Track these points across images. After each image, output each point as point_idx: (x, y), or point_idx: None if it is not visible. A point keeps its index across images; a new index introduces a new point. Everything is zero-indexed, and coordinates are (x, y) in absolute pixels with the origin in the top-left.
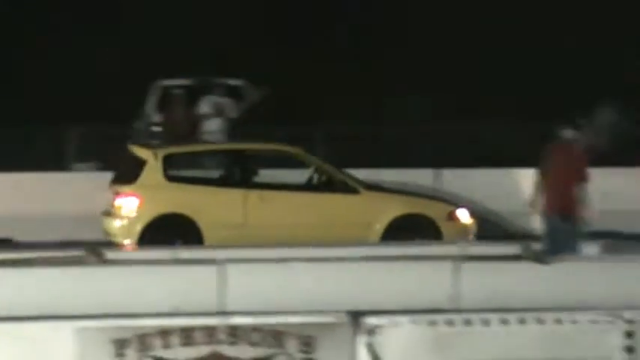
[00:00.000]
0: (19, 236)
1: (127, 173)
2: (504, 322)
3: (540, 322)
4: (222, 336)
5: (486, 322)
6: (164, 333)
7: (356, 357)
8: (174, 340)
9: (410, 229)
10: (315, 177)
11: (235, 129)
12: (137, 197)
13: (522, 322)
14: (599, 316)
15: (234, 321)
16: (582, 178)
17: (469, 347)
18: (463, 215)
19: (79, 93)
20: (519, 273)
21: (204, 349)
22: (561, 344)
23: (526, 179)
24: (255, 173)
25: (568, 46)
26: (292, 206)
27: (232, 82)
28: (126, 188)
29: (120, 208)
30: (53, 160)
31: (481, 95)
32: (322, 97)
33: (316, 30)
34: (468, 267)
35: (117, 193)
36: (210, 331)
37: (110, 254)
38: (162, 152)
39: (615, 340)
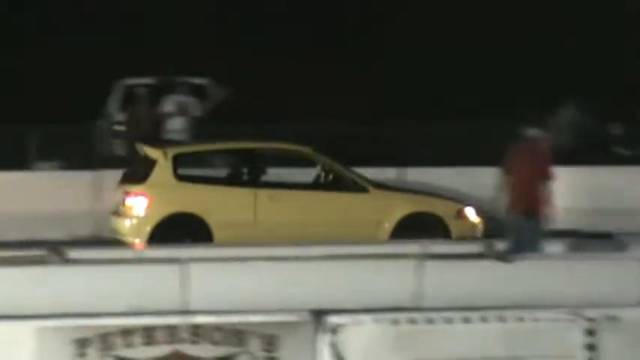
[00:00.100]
0: None
1: (136, 173)
2: (466, 320)
3: (502, 320)
4: (184, 335)
5: (449, 321)
6: (126, 332)
7: (319, 355)
8: (136, 339)
9: (419, 227)
10: (324, 176)
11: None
12: (147, 197)
13: (484, 320)
14: (560, 314)
15: (196, 320)
16: (547, 177)
17: (431, 345)
18: (471, 213)
19: (41, 92)
20: (482, 271)
21: (166, 348)
22: (523, 342)
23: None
24: (265, 172)
25: (535, 46)
26: (302, 205)
27: (196, 80)
28: (136, 188)
29: (130, 207)
30: (15, 160)
31: (445, 95)
32: (287, 96)
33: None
34: (431, 265)
35: (126, 193)
36: (172, 331)
37: (72, 253)
38: (172, 152)
39: (576, 337)
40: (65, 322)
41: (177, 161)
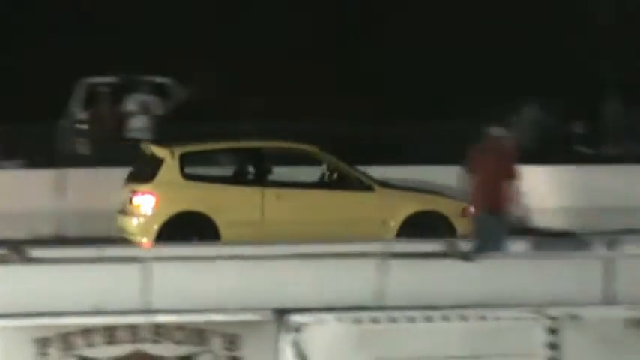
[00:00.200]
0: None
1: (143, 172)
2: (429, 319)
3: (464, 319)
4: (146, 334)
5: (411, 320)
6: (87, 331)
7: (281, 355)
8: (98, 338)
9: (424, 226)
10: (330, 175)
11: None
12: (154, 195)
13: (447, 319)
14: (522, 312)
15: (158, 319)
16: (512, 176)
17: (394, 344)
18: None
19: (3, 91)
20: (445, 270)
21: (128, 348)
22: (485, 341)
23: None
24: (271, 171)
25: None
26: (308, 204)
27: (158, 79)
28: (143, 187)
29: (137, 206)
30: None
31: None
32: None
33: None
34: (394, 264)
35: (133, 192)
36: (133, 330)
37: (33, 252)
38: (179, 151)
39: (539, 336)
40: (26, 322)
41: (184, 160)
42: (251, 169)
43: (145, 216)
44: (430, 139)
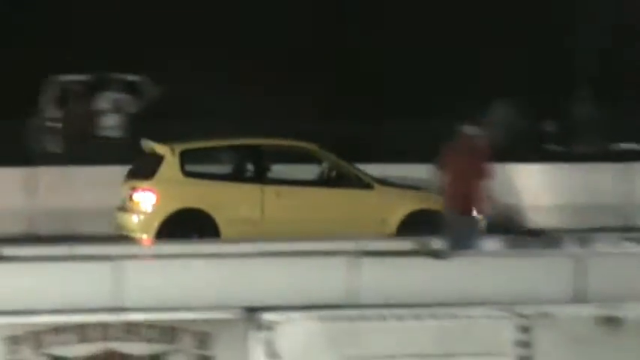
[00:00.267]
0: None
1: (143, 169)
2: (400, 317)
3: (435, 317)
4: (116, 332)
5: (383, 318)
6: (59, 330)
7: (252, 353)
8: (69, 336)
9: (424, 223)
10: (329, 172)
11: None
12: (155, 192)
13: (418, 317)
14: (493, 311)
15: (129, 317)
16: (485, 174)
17: (366, 343)
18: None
19: None
20: (417, 269)
21: (99, 346)
22: (456, 339)
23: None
24: (271, 169)
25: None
26: (308, 202)
27: (130, 78)
28: (144, 184)
29: (137, 203)
30: None
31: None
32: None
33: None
34: (366, 262)
35: (133, 189)
36: (104, 328)
37: (4, 250)
38: (179, 148)
39: (510, 335)
40: None
41: (185, 157)
42: (251, 167)
43: (145, 213)
44: (430, 136)
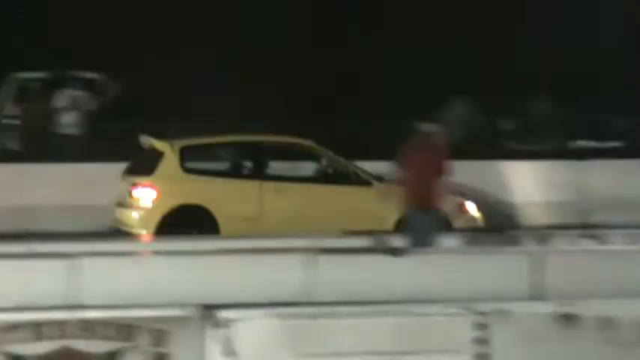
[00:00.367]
0: None
1: (143, 165)
2: (357, 314)
3: (392, 314)
4: (73, 330)
5: (339, 315)
6: (14, 328)
7: (208, 351)
8: (25, 335)
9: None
10: (328, 169)
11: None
12: (155, 189)
13: (374, 314)
14: (450, 308)
15: (85, 315)
16: (443, 172)
17: (323, 340)
18: (471, 207)
19: None
20: (373, 266)
21: (56, 344)
22: (413, 337)
23: None
24: (270, 165)
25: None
26: (307, 198)
27: (89, 75)
28: (144, 180)
29: (137, 199)
30: None
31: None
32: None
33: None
34: (323, 260)
35: (133, 185)
36: (61, 326)
37: None
38: (179, 144)
39: (467, 332)
40: None
41: (184, 153)
42: (250, 163)
43: (144, 209)
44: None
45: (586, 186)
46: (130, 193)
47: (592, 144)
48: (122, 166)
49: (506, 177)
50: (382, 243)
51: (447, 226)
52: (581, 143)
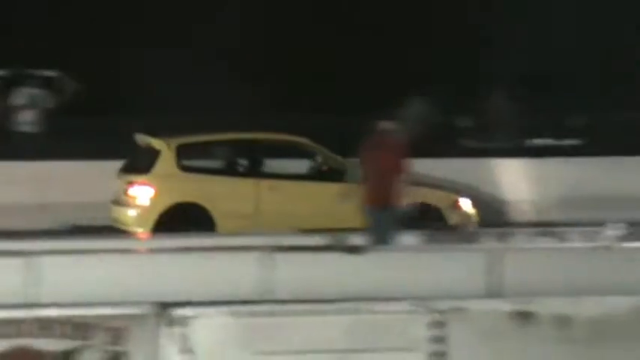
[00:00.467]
0: None
1: (139, 163)
2: (313, 312)
3: (348, 312)
4: (29, 329)
5: (296, 313)
6: None
7: (165, 349)
8: None
9: (417, 217)
10: (323, 167)
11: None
12: (151, 187)
13: (331, 312)
14: (407, 306)
15: (41, 313)
16: (402, 169)
17: (278, 338)
18: (466, 204)
19: None
20: (331, 264)
21: (11, 343)
22: (369, 334)
23: None
24: (265, 163)
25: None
26: (303, 196)
27: (47, 73)
28: (140, 178)
29: (134, 197)
30: None
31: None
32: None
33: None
34: (280, 258)
35: (129, 183)
36: (16, 325)
37: None
38: (175, 142)
39: (424, 330)
40: None
41: (181, 151)
42: (246, 161)
43: (141, 207)
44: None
45: (543, 184)
46: (126, 192)
47: (549, 142)
48: (79, 164)
49: (463, 175)
50: (339, 241)
51: (405, 224)
52: (539, 141)
